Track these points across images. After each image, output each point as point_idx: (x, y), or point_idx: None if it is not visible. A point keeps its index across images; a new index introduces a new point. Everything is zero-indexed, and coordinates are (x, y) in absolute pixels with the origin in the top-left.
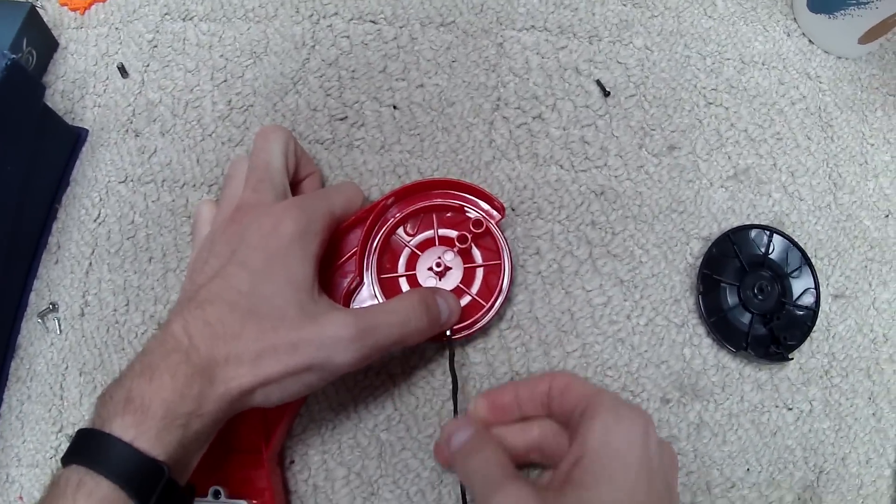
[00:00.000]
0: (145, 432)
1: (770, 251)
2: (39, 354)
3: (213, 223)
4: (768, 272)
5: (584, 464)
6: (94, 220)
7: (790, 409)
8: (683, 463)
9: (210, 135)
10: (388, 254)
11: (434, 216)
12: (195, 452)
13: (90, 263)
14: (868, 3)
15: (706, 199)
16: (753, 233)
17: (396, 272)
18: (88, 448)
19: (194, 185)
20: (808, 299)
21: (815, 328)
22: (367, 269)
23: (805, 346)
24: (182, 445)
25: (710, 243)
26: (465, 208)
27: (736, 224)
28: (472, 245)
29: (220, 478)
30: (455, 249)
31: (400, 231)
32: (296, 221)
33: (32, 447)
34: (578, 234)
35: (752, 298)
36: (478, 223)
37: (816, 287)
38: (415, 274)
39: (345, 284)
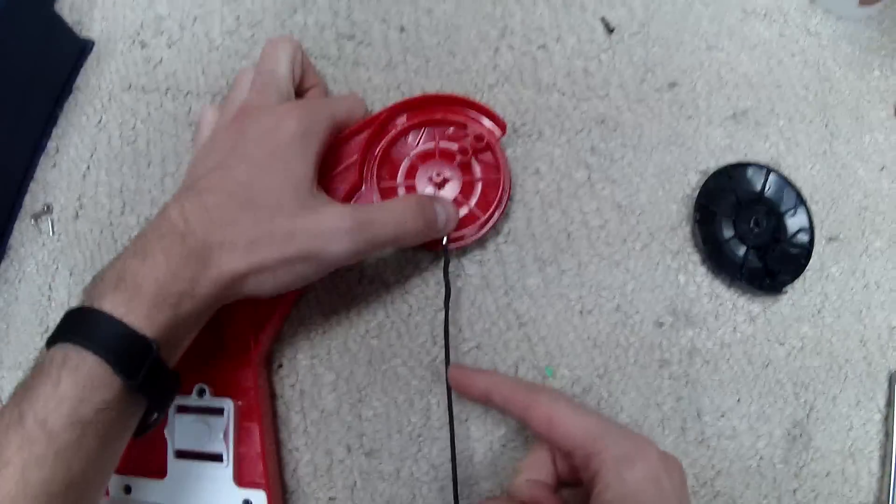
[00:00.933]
0: (135, 309)
1: (766, 189)
2: (30, 256)
3: (217, 124)
4: (764, 209)
5: None
6: (95, 126)
7: (782, 343)
8: (674, 388)
9: (217, 48)
10: (389, 164)
11: (436, 130)
12: (184, 336)
13: (88, 167)
14: None
15: (704, 135)
16: (750, 170)
17: (396, 182)
18: (75, 325)
19: (198, 94)
20: (802, 238)
21: (808, 267)
22: (366, 176)
23: (798, 284)
24: (172, 326)
25: (707, 176)
26: (467, 124)
27: (734, 161)
28: (473, 159)
29: (205, 376)
30: (455, 163)
31: (401, 142)
32: (298, 120)
33: (15, 349)
34: (578, 159)
35: (748, 231)
36: (479, 137)
37: (811, 227)
38: (414, 184)
39: (343, 189)
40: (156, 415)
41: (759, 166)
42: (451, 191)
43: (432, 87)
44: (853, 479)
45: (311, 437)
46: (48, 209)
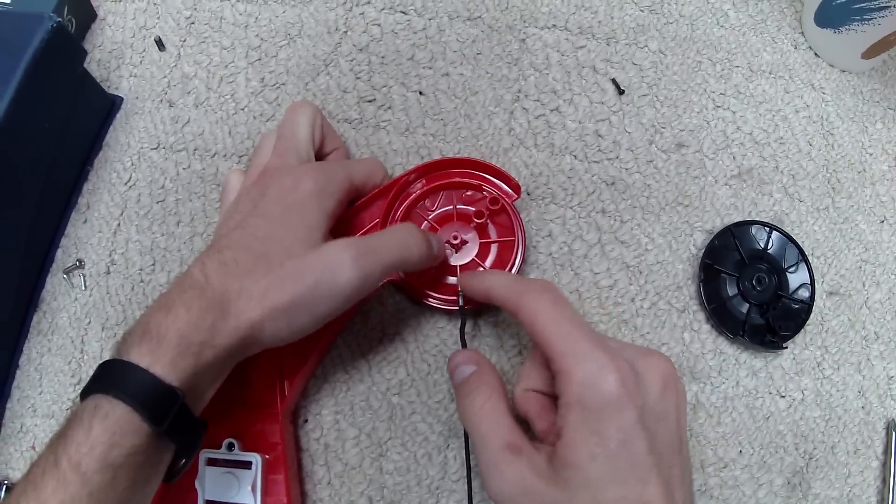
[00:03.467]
0: (160, 359)
1: (769, 246)
2: (63, 309)
3: (241, 187)
4: (766, 266)
5: (567, 438)
6: (125, 183)
7: (783, 396)
8: None
9: (242, 109)
10: None
11: (454, 193)
12: (208, 384)
13: (118, 224)
14: (871, 19)
15: (710, 195)
16: (754, 228)
17: None
18: (106, 376)
19: (225, 156)
20: (803, 293)
21: (809, 322)
22: None
23: (799, 338)
24: (195, 374)
25: (712, 236)
26: (483, 187)
27: (738, 219)
28: (489, 221)
29: (234, 431)
30: (472, 225)
31: (420, 206)
32: (315, 180)
33: (49, 398)
34: (589, 221)
35: (751, 289)
36: (494, 200)
37: (812, 283)
38: None
39: None
40: (184, 460)
41: (762, 224)
42: (468, 252)
43: (450, 150)
44: None
45: (335, 490)
46: (80, 264)
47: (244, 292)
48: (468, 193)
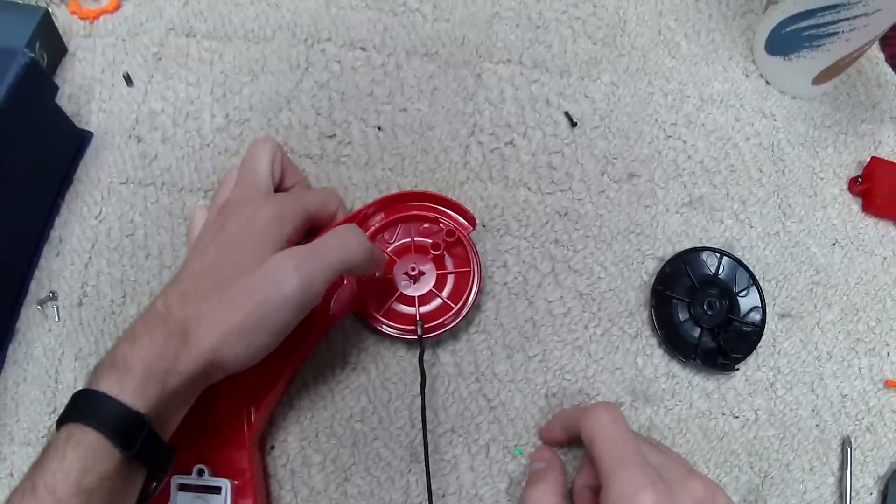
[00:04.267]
0: (127, 387)
1: (720, 271)
2: (37, 339)
3: (205, 221)
4: (717, 290)
5: None
6: (96, 217)
7: (736, 416)
8: None
9: (208, 144)
10: None
11: (411, 226)
12: (175, 410)
13: (90, 257)
14: (821, 45)
15: (662, 223)
16: (704, 254)
17: (374, 275)
18: (77, 405)
19: (191, 190)
20: (755, 316)
21: (761, 344)
22: None
23: (752, 360)
24: (161, 400)
25: (663, 262)
26: (440, 220)
27: (689, 246)
28: (445, 253)
29: (204, 458)
30: (429, 256)
31: (379, 238)
32: (271, 210)
33: (26, 426)
34: (542, 251)
35: (702, 314)
36: (450, 233)
37: (763, 306)
38: (392, 278)
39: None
40: (155, 483)
41: (712, 250)
42: (426, 283)
43: (408, 184)
44: None
45: None
46: (53, 296)
47: (203, 319)
48: (425, 226)
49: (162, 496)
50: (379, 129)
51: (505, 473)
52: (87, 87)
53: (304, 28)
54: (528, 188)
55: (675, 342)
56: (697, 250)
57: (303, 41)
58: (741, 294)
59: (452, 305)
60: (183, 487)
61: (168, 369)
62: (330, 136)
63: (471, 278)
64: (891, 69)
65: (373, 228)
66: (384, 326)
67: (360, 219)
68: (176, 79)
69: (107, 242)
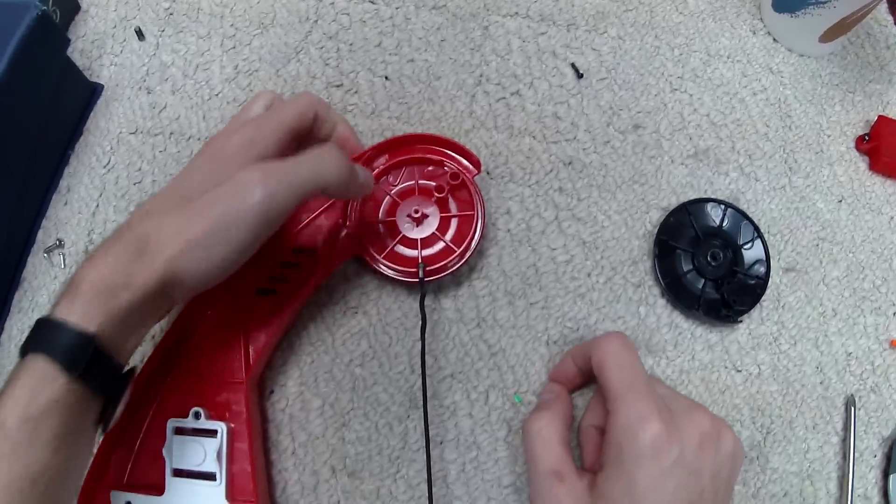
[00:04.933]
0: (75, 309)
1: (724, 223)
2: (43, 287)
3: None
4: (721, 242)
5: (605, 473)
6: (104, 167)
7: (739, 370)
8: None
9: (217, 94)
10: (371, 201)
11: (416, 168)
12: (132, 330)
13: (97, 205)
14: (827, 2)
15: (667, 174)
16: (709, 206)
17: (377, 217)
18: (32, 335)
19: (199, 139)
20: (759, 269)
21: (765, 297)
22: (349, 214)
23: (755, 314)
24: (113, 317)
25: (668, 213)
26: (445, 163)
27: (694, 197)
28: (449, 196)
29: (201, 400)
30: (433, 199)
31: (383, 180)
32: (240, 135)
33: None
34: (546, 199)
35: (706, 265)
36: (455, 175)
37: (767, 259)
38: (394, 220)
39: (326, 226)
40: (110, 408)
41: (717, 201)
42: (429, 226)
43: (413, 131)
44: (811, 500)
45: (299, 459)
46: (60, 244)
47: (162, 230)
48: (430, 169)
49: (157, 439)
50: (386, 78)
51: (504, 421)
52: (100, 42)
53: None
54: (533, 137)
55: (678, 292)
56: (702, 201)
57: None
58: (745, 246)
59: (455, 248)
60: (179, 430)
61: (119, 284)
62: (337, 86)
63: (474, 222)
64: None
65: (377, 170)
66: (386, 268)
67: (364, 160)
68: (186, 32)
69: (114, 191)
